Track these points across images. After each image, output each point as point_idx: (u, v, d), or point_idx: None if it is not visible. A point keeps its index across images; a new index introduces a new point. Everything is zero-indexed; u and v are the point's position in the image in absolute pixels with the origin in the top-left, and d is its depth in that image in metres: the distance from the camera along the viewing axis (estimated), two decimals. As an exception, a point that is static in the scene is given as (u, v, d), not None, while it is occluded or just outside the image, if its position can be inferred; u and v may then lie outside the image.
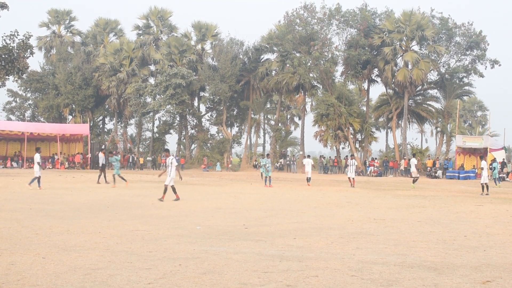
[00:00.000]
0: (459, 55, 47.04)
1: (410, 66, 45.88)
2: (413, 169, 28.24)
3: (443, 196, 21.41)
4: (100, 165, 26.73)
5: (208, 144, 54.36)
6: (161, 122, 56.66)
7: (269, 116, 65.45)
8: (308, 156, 30.66)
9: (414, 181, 28.30)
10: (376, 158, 50.12)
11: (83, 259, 7.45)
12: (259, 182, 30.51)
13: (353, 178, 27.35)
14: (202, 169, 49.09)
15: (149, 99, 52.53)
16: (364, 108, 52.23)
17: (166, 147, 57.25)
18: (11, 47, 34.26)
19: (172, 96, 49.48)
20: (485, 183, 22.52)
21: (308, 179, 27.61)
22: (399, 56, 47.15)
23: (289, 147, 59.65)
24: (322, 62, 46.98)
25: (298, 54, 48.80)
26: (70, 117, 58.77)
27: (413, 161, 28.36)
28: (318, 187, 26.28)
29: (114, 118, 59.00)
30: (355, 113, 47.92)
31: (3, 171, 39.17)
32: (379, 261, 7.62)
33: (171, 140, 69.57)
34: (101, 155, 27.46)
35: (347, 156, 30.77)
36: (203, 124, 56.12)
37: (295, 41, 47.54)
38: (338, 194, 21.89)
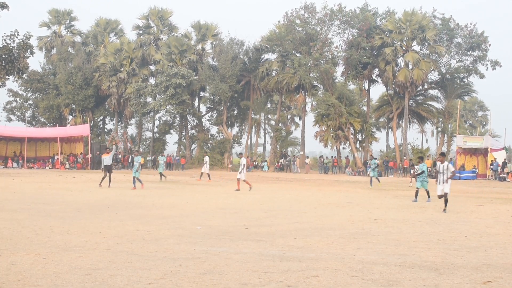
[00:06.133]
0: (460, 56, 47.06)
1: (410, 66, 45.88)
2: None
3: (443, 196, 21.36)
4: (103, 166, 24.32)
5: (209, 144, 54.37)
6: (162, 122, 56.69)
7: (269, 116, 65.41)
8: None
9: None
10: (376, 158, 50.08)
11: (84, 259, 7.45)
12: (259, 182, 30.51)
13: (241, 180, 22.68)
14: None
15: (149, 99, 52.54)
16: (365, 108, 52.25)
17: (165, 147, 57.23)
18: (11, 47, 34.30)
19: (173, 96, 49.49)
20: (445, 193, 15.18)
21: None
22: (399, 56, 47.15)
23: (289, 147, 59.66)
24: (322, 63, 47.00)
25: (298, 55, 48.82)
26: (71, 117, 58.78)
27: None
28: (318, 187, 26.28)
29: (115, 118, 59.02)
30: (356, 113, 47.94)
31: (3, 171, 39.17)
32: (379, 262, 7.62)
33: (171, 140, 69.59)
34: (106, 156, 24.81)
35: (241, 153, 26.79)
36: (203, 124, 56.17)
37: (295, 41, 47.56)
38: (339, 194, 21.88)
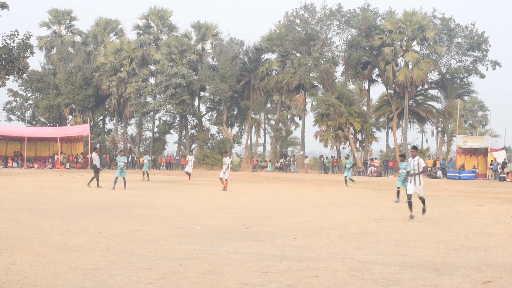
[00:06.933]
0: (460, 56, 47.06)
1: (410, 66, 45.88)
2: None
3: (443, 196, 21.40)
4: (96, 164, 23.70)
5: (209, 144, 54.37)
6: (161, 122, 56.67)
7: (269, 116, 65.46)
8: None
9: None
10: (376, 158, 50.09)
11: (84, 259, 7.45)
12: (259, 182, 30.51)
13: (225, 180, 22.39)
14: (251, 169, 49.06)
15: (149, 99, 52.54)
16: (365, 108, 52.27)
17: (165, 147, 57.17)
18: (11, 47, 34.28)
19: (172, 96, 49.49)
20: (421, 197, 13.35)
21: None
22: (399, 56, 47.16)
23: (289, 147, 59.65)
24: (322, 62, 47.01)
25: (298, 54, 48.83)
26: (71, 117, 58.78)
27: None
28: (318, 187, 26.26)
29: (115, 118, 59.01)
30: (356, 113, 47.95)
31: (3, 171, 39.17)
32: (379, 261, 7.61)
33: (171, 140, 69.91)
34: (94, 155, 24.41)
35: (226, 152, 26.29)
36: (203, 124, 56.15)
37: (295, 41, 47.58)
38: (338, 194, 21.88)
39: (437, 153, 50.11)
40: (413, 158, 13.38)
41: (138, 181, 28.85)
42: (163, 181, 30.01)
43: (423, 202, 13.23)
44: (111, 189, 21.57)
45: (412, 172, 13.19)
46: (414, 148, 14.21)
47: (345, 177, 26.91)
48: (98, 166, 23.75)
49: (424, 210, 13.18)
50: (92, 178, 23.24)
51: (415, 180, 13.02)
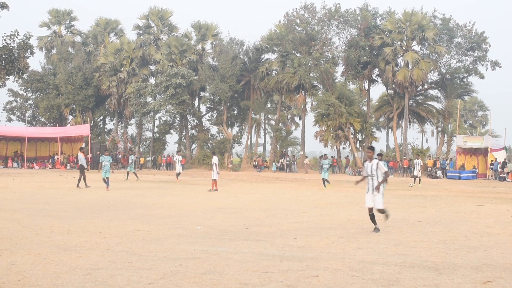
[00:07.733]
0: (460, 56, 47.03)
1: (410, 66, 45.87)
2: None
3: (443, 196, 21.41)
4: (79, 166, 23.71)
5: (209, 144, 54.38)
6: (162, 122, 56.68)
7: (269, 116, 65.45)
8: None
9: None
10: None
11: (84, 259, 7.45)
12: (259, 182, 30.51)
13: (213, 180, 22.52)
14: (257, 170, 49.15)
15: (149, 99, 52.54)
16: (365, 108, 52.27)
17: (165, 147, 57.18)
18: (11, 47, 34.28)
19: (173, 96, 49.49)
20: (379, 210, 10.64)
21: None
22: (399, 56, 47.15)
23: (289, 147, 59.66)
24: (322, 63, 47.02)
25: (298, 55, 48.85)
26: (71, 117, 58.79)
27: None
28: (318, 187, 26.26)
29: (115, 118, 59.01)
30: (356, 113, 47.97)
31: (3, 171, 39.17)
32: (379, 261, 7.62)
33: (171, 140, 69.90)
34: (80, 155, 24.39)
35: (214, 152, 26.27)
36: (203, 124, 56.14)
37: (295, 41, 47.60)
38: (338, 194, 21.89)
39: (437, 153, 50.11)
40: (370, 161, 10.82)
41: (134, 181, 28.87)
42: (163, 181, 30.01)
43: (382, 213, 10.79)
44: (106, 190, 21.46)
45: (370, 178, 10.66)
46: (371, 148, 11.21)
47: (323, 179, 25.97)
48: (85, 166, 23.68)
49: (376, 229, 10.67)
50: (79, 179, 23.08)
51: (372, 188, 10.61)
